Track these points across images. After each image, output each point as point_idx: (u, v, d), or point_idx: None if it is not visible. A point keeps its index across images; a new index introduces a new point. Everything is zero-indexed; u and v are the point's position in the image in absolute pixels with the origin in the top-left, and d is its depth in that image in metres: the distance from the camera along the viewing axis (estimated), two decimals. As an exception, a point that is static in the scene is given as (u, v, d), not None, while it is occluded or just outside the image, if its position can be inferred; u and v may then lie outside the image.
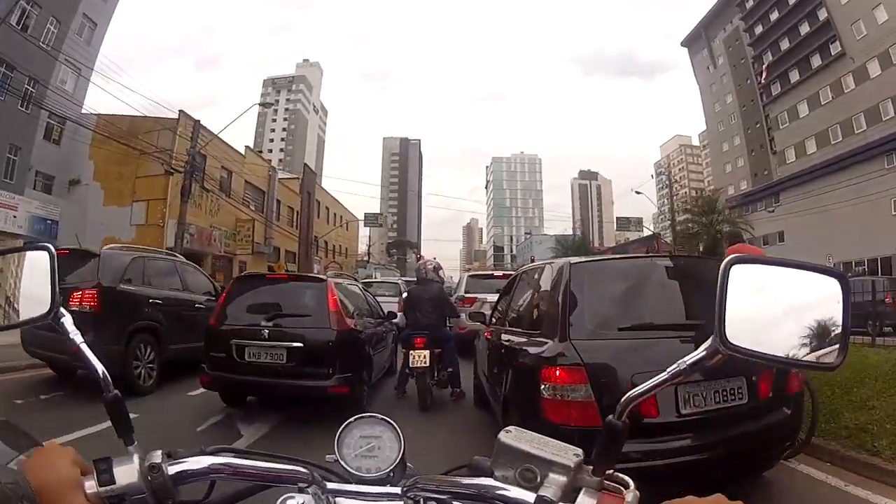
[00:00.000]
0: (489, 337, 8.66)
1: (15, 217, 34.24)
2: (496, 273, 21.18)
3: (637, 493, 1.05)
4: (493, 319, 9.29)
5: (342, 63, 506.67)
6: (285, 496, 1.27)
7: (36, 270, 1.34)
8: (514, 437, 1.17)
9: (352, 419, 1.41)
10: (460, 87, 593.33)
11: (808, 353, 1.05)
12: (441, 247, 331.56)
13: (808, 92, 67.35)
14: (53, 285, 1.29)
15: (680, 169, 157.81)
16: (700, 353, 1.06)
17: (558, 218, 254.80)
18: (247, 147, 53.26)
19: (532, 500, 1.04)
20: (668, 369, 1.09)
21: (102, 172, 40.63)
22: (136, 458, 1.15)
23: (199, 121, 35.43)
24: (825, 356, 1.05)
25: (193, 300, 13.27)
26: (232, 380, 9.23)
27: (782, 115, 72.96)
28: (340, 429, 1.39)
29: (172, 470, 1.16)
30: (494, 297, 11.50)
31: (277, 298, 9.96)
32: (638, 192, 66.30)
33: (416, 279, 12.50)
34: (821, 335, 1.06)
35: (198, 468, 1.19)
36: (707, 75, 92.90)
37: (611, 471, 1.09)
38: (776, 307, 1.10)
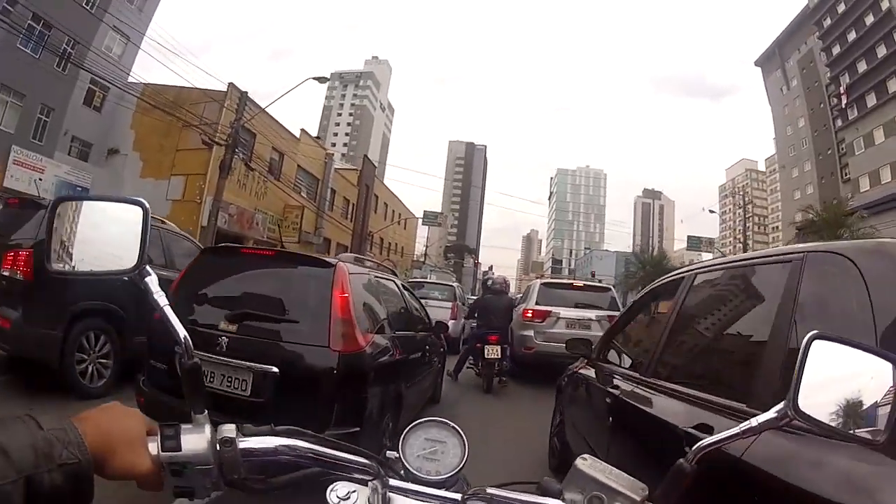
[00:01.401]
0: (609, 389, 4.75)
1: (41, 180, 31.20)
2: (576, 283, 17.59)
3: None
4: (607, 356, 5.90)
5: (412, 63, 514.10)
6: (339, 483, 1.29)
7: (127, 224, 1.32)
8: (589, 465, 1.21)
9: (420, 420, 1.46)
10: (530, 96, 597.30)
11: (861, 428, 1.12)
12: (499, 254, 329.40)
13: (885, 117, 63.85)
14: (143, 242, 1.29)
15: (745, 194, 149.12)
16: (771, 414, 1.11)
17: (619, 235, 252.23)
18: (302, 130, 49.71)
19: None
20: (741, 426, 1.14)
21: (142, 143, 38.68)
22: (207, 428, 1.16)
23: (245, 93, 32.79)
24: (874, 433, 1.12)
25: (177, 279, 10.48)
26: (171, 407, 5.10)
27: (858, 141, 69.52)
28: (407, 428, 1.44)
29: (243, 445, 1.16)
30: (571, 313, 14.51)
31: (255, 287, 6.20)
32: (712, 212, 63.70)
33: (490, 289, 15.22)
34: (873, 413, 1.13)
35: (268, 447, 1.19)
36: (780, 97, 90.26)
37: None
38: (844, 383, 1.14)
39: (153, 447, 1.11)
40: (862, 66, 68.73)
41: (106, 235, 1.34)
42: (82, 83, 36.23)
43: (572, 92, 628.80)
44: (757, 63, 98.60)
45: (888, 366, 1.14)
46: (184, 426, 1.15)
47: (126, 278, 1.34)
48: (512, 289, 28.99)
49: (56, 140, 35.53)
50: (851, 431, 1.11)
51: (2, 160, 31.35)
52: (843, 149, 73.51)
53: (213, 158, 33.37)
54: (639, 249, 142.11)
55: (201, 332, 5.53)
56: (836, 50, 74.11)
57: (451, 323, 17.64)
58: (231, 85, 36.57)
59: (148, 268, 1.27)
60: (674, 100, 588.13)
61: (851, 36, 70.85)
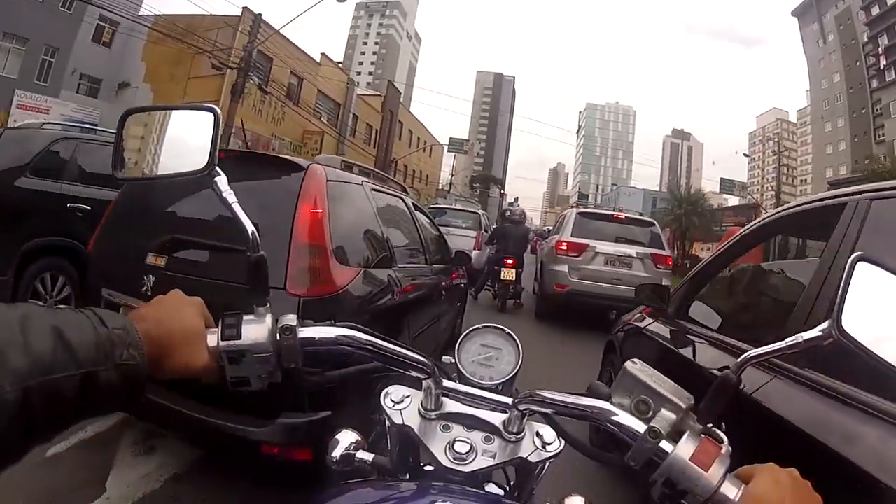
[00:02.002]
0: (710, 367, 3.16)
1: (47, 122, 29.42)
2: (616, 214, 15.30)
3: (730, 448, 1.06)
4: (688, 312, 4.24)
5: None
6: (392, 387, 1.34)
7: (199, 130, 1.33)
8: (639, 368, 1.19)
9: (477, 326, 1.48)
10: (561, 29, 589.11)
11: None
12: (525, 186, 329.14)
13: None
14: (214, 145, 1.29)
15: (774, 143, 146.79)
16: (816, 332, 1.07)
17: (647, 173, 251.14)
18: (323, 55, 49.08)
19: (642, 430, 1.08)
20: (787, 340, 1.10)
21: (153, 74, 38.21)
22: (268, 317, 1.16)
23: (259, 14, 31.78)
24: None
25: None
26: None
27: (894, 104, 69.99)
28: (463, 334, 1.46)
29: (303, 334, 1.16)
30: (611, 248, 13.24)
31: (198, 205, 4.18)
32: (746, 155, 61.58)
33: (508, 219, 16.27)
34: None
35: (328, 336, 1.19)
36: (816, 50, 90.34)
37: (711, 424, 1.10)
38: (889, 312, 1.10)
39: (212, 339, 1.11)
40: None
41: (178, 141, 1.36)
42: (90, 20, 36.18)
43: (604, 28, 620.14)
44: (794, 13, 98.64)
45: None
46: (245, 316, 1.14)
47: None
48: (536, 221, 28.02)
49: (61, 80, 35.59)
50: (893, 364, 1.04)
51: (5, 106, 31.23)
52: (878, 109, 74.97)
53: (227, 84, 32.36)
54: (666, 189, 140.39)
55: (129, 270, 4.10)
56: (875, 10, 73.93)
57: (474, 253, 16.22)
58: (245, 9, 35.44)
59: (218, 168, 1.27)
60: (706, 43, 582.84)
61: (891, -1, 70.04)
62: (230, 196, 1.26)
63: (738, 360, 1.12)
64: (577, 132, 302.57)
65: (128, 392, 0.98)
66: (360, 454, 1.38)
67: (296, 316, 1.18)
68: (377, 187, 5.48)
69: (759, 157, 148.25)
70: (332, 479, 1.36)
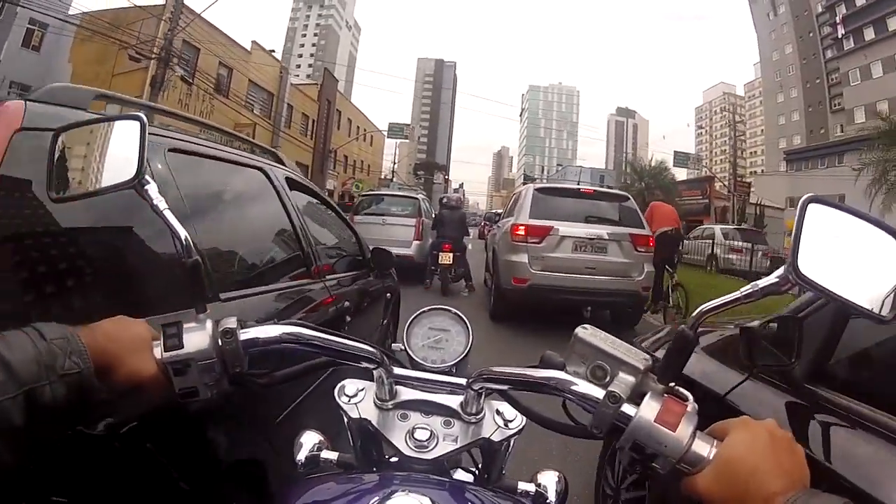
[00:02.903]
0: None
1: None
2: (583, 188, 13.13)
3: (696, 405, 1.04)
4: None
5: None
6: (347, 381, 1.32)
7: (124, 140, 1.35)
8: (590, 333, 1.14)
9: (424, 309, 1.48)
10: (502, 11, 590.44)
11: (865, 300, 1.05)
12: (470, 170, 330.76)
13: (882, 53, 64.38)
14: (141, 153, 1.29)
15: (721, 117, 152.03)
16: (773, 279, 1.06)
17: (592, 153, 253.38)
18: (254, 43, 45.58)
19: (601, 396, 1.05)
20: (742, 289, 1.09)
21: (79, 75, 33.86)
22: (209, 323, 1.17)
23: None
24: (881, 308, 1.05)
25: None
26: None
27: (854, 73, 69.90)
28: (410, 318, 1.46)
29: (244, 336, 1.17)
30: (580, 230, 11.03)
31: None
32: (700, 128, 61.03)
33: (445, 205, 16.57)
34: (879, 289, 1.07)
35: (271, 336, 1.19)
36: (766, 23, 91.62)
37: (673, 383, 1.08)
38: (844, 251, 1.10)
39: (158, 350, 1.12)
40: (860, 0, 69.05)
41: (107, 153, 1.37)
42: (21, 24, 34.56)
43: (545, 9, 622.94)
44: None
45: (892, 240, 1.07)
46: (186, 324, 1.15)
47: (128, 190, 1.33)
48: (482, 206, 26.83)
49: None
50: (854, 301, 1.03)
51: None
52: (833, 79, 75.16)
53: (150, 77, 29.93)
54: (613, 166, 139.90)
55: None
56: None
57: (415, 244, 16.70)
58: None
59: (147, 177, 1.29)
60: (650, 20, 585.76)
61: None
62: (161, 203, 1.26)
63: (694, 313, 1.09)
64: (521, 115, 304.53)
65: (77, 401, 0.98)
66: (325, 454, 1.36)
67: (235, 318, 1.17)
68: (191, 145, 2.99)
69: (707, 130, 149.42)
70: (299, 481, 1.28)
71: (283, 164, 4.38)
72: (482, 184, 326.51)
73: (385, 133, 76.57)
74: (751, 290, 1.07)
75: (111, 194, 1.33)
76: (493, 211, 21.56)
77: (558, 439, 3.86)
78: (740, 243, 29.63)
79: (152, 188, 1.28)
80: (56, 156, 1.35)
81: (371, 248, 5.53)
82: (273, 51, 47.26)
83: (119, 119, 1.39)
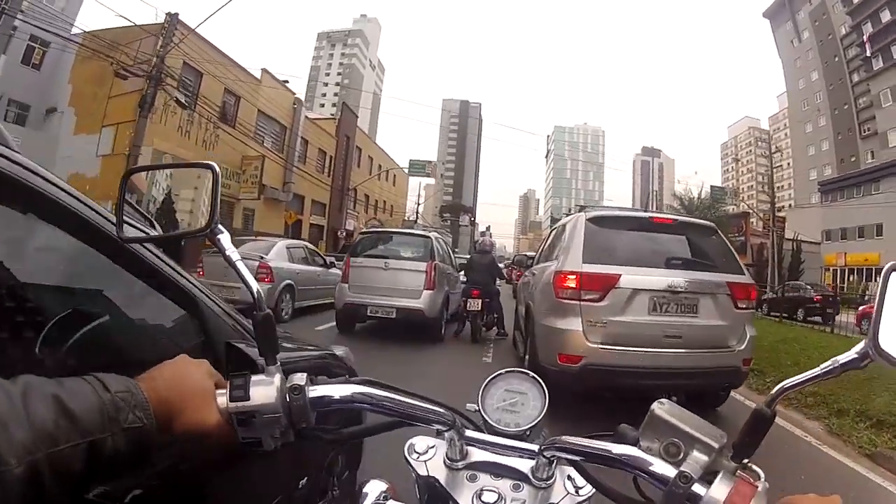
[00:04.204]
0: None
1: None
2: (657, 216, 8.90)
3: (767, 485, 1.00)
4: None
5: (402, 21, 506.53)
6: (417, 438, 1.33)
7: (201, 187, 1.49)
8: (667, 410, 1.11)
9: (501, 372, 1.46)
10: (527, 52, 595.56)
11: None
12: (497, 213, 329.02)
13: None
14: (214, 202, 1.30)
15: (748, 153, 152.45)
16: (852, 355, 1.01)
17: (618, 194, 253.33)
18: (264, 70, 42.89)
19: (673, 475, 1.02)
20: (822, 366, 1.04)
21: (78, 96, 33.91)
22: (277, 377, 1.16)
23: (176, 13, 27.71)
24: None
25: None
26: None
27: (885, 94, 68.46)
28: (487, 380, 1.44)
29: (313, 394, 1.16)
30: (660, 278, 7.47)
31: None
32: (736, 160, 58.98)
33: (477, 250, 16.62)
34: None
35: (340, 395, 1.19)
36: (791, 50, 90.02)
37: (747, 460, 1.04)
38: None
39: (222, 399, 1.11)
40: (886, 17, 68.27)
41: (177, 200, 1.79)
42: (20, 40, 33.55)
43: (568, 50, 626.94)
44: (765, 15, 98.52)
45: None
46: (254, 377, 1.14)
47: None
48: (509, 248, 25.65)
49: None
50: None
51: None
52: (862, 103, 73.89)
53: (140, 98, 27.43)
54: (640, 204, 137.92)
55: None
56: (856, -1, 74.21)
57: (425, 295, 13.72)
58: (169, 14, 29.85)
59: (220, 226, 1.28)
60: (672, 58, 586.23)
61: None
62: (233, 255, 1.25)
63: (773, 391, 1.05)
64: (546, 156, 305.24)
65: (136, 455, 0.99)
66: (391, 503, 1.34)
67: (305, 375, 1.16)
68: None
69: (734, 167, 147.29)
70: None
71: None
72: (509, 226, 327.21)
73: (406, 170, 74.22)
74: (831, 367, 1.01)
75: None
76: (523, 253, 18.16)
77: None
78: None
79: (225, 238, 1.25)
80: (125, 198, 1.36)
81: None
82: (287, 81, 44.47)
83: (191, 166, 1.42)
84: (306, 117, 50.03)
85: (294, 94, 46.84)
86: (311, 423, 1.15)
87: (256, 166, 38.92)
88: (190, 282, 2.25)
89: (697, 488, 0.98)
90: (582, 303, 7.37)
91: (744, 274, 8.16)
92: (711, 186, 65.48)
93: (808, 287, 37.63)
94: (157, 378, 1.07)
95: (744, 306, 7.77)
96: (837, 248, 69.74)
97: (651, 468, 1.03)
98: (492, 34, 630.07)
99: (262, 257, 15.37)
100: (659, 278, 7.48)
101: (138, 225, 1.37)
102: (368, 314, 13.60)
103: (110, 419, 0.93)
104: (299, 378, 1.15)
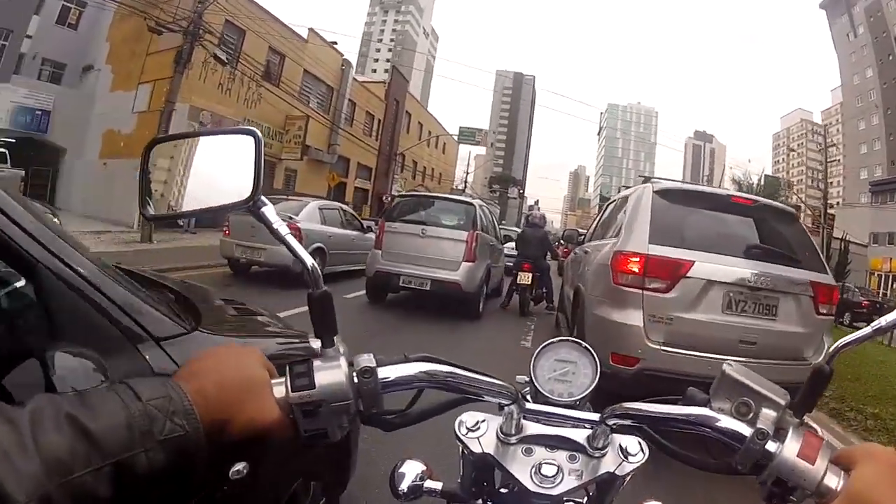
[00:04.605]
0: None
1: None
2: (735, 196, 7.65)
3: (825, 439, 1.05)
4: None
5: None
6: (466, 414, 1.25)
7: (239, 156, 1.23)
8: (736, 370, 1.11)
9: (549, 341, 1.37)
10: (580, 26, 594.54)
11: None
12: (546, 188, 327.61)
13: None
14: (257, 172, 1.19)
15: (799, 144, 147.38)
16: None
17: (669, 175, 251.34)
18: (311, 30, 41.84)
19: (748, 433, 1.04)
20: (871, 325, 1.10)
21: (115, 54, 33.98)
22: (342, 360, 1.08)
23: None
24: None
25: None
26: None
27: None
28: (536, 351, 1.35)
29: (382, 375, 1.10)
30: (740, 269, 6.25)
31: None
32: (791, 150, 59.08)
33: (528, 223, 16.65)
34: None
35: (408, 375, 1.12)
36: (846, 44, 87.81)
37: (805, 416, 1.10)
38: None
39: (279, 389, 1.01)
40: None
41: (214, 170, 1.28)
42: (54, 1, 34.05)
43: (625, 26, 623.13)
44: (822, 6, 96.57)
45: None
46: (316, 362, 1.06)
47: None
48: (556, 224, 25.44)
49: (12, 63, 32.72)
50: None
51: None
52: None
53: (175, 53, 26.65)
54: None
55: None
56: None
57: (464, 267, 12.65)
58: None
59: (263, 198, 1.17)
60: (729, 41, 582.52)
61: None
62: (282, 227, 1.16)
63: (831, 349, 1.09)
64: (599, 133, 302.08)
65: (183, 466, 0.88)
66: (429, 483, 1.32)
67: (371, 355, 1.09)
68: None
69: (784, 158, 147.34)
70: None
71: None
72: (557, 200, 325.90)
73: (456, 137, 73.12)
74: (878, 326, 1.07)
75: None
76: (573, 228, 16.72)
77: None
78: None
79: (269, 210, 1.16)
80: (149, 172, 1.29)
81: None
82: (335, 42, 43.55)
83: (229, 133, 1.29)
84: (355, 79, 49.17)
85: (342, 55, 45.98)
86: (382, 408, 1.09)
87: (300, 126, 38.21)
88: (38, 241, 1.69)
89: (770, 444, 1.01)
90: (645, 292, 6.17)
91: (827, 273, 6.96)
92: (766, 175, 63.94)
93: (857, 290, 36.36)
94: (202, 373, 0.96)
95: (825, 312, 6.59)
96: (884, 253, 67.77)
97: (726, 426, 1.05)
98: (547, 5, 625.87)
99: (290, 218, 14.32)
100: (737, 269, 6.28)
101: None
102: (401, 284, 12.75)
103: (142, 434, 0.83)
104: (366, 360, 1.06)
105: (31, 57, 33.92)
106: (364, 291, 13.78)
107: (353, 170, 49.66)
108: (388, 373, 1.08)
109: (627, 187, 9.96)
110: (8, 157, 24.25)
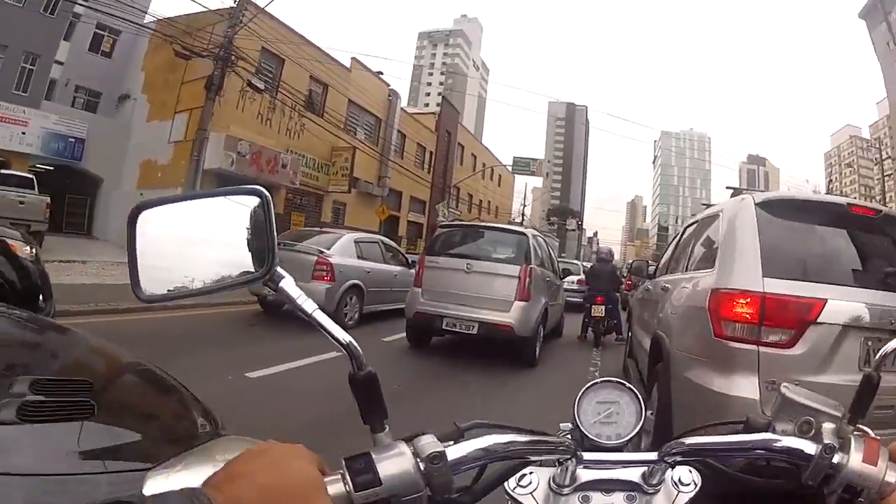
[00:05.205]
0: None
1: (24, 133, 29.89)
2: (855, 206, 5.22)
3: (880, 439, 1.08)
4: None
5: (503, 22, 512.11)
6: (525, 471, 1.20)
7: (246, 220, 1.10)
8: (793, 391, 1.15)
9: (589, 384, 1.35)
10: (628, 56, 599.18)
11: None
12: (604, 219, 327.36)
13: None
14: (270, 238, 1.05)
15: (850, 162, 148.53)
16: None
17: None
18: (354, 59, 41.12)
19: (814, 450, 1.06)
20: None
21: (151, 83, 33.93)
22: (403, 446, 0.96)
23: None
24: None
25: None
26: None
27: None
28: (577, 396, 1.33)
29: (452, 457, 0.99)
30: (880, 307, 4.37)
31: None
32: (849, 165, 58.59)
33: (598, 259, 18.03)
34: None
35: (476, 452, 1.02)
36: (887, 53, 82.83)
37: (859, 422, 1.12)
38: None
39: (335, 488, 0.86)
40: None
41: (216, 239, 1.12)
42: (86, 27, 34.45)
43: (673, 54, 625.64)
44: (860, 15, 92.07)
45: None
46: (374, 453, 0.92)
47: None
48: (616, 256, 28.35)
49: (42, 88, 32.80)
50: None
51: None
52: None
53: (206, 79, 26.29)
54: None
55: None
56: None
57: (516, 307, 10.88)
58: None
59: (280, 269, 1.02)
60: (773, 64, 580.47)
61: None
62: (308, 304, 1.01)
63: (876, 357, 1.18)
64: (653, 162, 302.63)
65: None
66: None
67: (433, 436, 0.97)
68: None
69: (837, 177, 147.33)
70: None
71: None
72: (616, 231, 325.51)
73: (510, 168, 71.99)
74: None
75: None
76: (642, 259, 14.82)
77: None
78: None
79: (289, 283, 1.01)
80: (136, 245, 1.06)
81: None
82: (381, 72, 42.84)
83: (230, 194, 1.10)
84: (403, 110, 48.42)
85: (388, 84, 45.16)
86: (452, 495, 0.97)
87: (347, 158, 37.39)
88: None
89: (835, 456, 1.03)
90: (761, 348, 4.37)
91: None
92: (827, 194, 62.30)
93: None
94: (239, 478, 0.78)
95: None
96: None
97: (791, 446, 1.06)
98: (598, 37, 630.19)
99: (321, 252, 13.18)
100: (876, 306, 4.41)
101: None
102: (444, 327, 11.10)
103: None
104: (431, 442, 0.94)
105: (64, 83, 34.52)
106: (405, 334, 12.27)
107: (405, 203, 49.00)
108: (453, 453, 0.96)
109: (737, 189, 8.04)
110: (35, 182, 23.42)
